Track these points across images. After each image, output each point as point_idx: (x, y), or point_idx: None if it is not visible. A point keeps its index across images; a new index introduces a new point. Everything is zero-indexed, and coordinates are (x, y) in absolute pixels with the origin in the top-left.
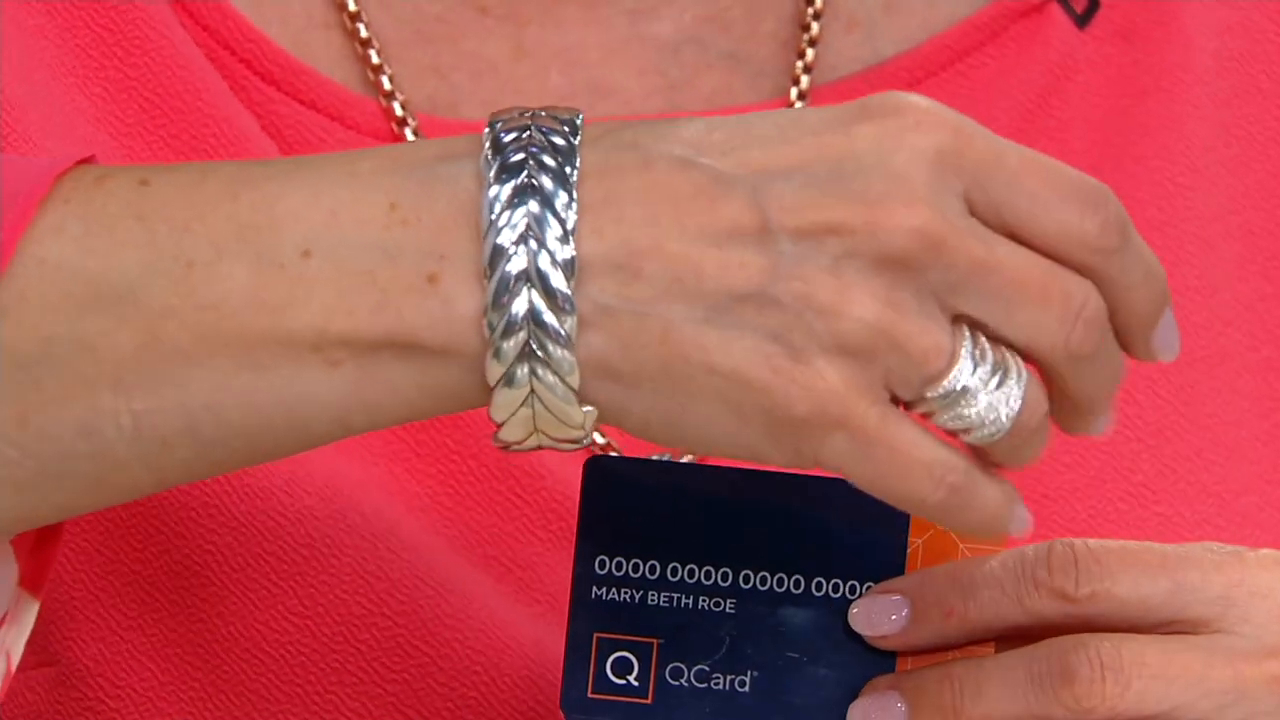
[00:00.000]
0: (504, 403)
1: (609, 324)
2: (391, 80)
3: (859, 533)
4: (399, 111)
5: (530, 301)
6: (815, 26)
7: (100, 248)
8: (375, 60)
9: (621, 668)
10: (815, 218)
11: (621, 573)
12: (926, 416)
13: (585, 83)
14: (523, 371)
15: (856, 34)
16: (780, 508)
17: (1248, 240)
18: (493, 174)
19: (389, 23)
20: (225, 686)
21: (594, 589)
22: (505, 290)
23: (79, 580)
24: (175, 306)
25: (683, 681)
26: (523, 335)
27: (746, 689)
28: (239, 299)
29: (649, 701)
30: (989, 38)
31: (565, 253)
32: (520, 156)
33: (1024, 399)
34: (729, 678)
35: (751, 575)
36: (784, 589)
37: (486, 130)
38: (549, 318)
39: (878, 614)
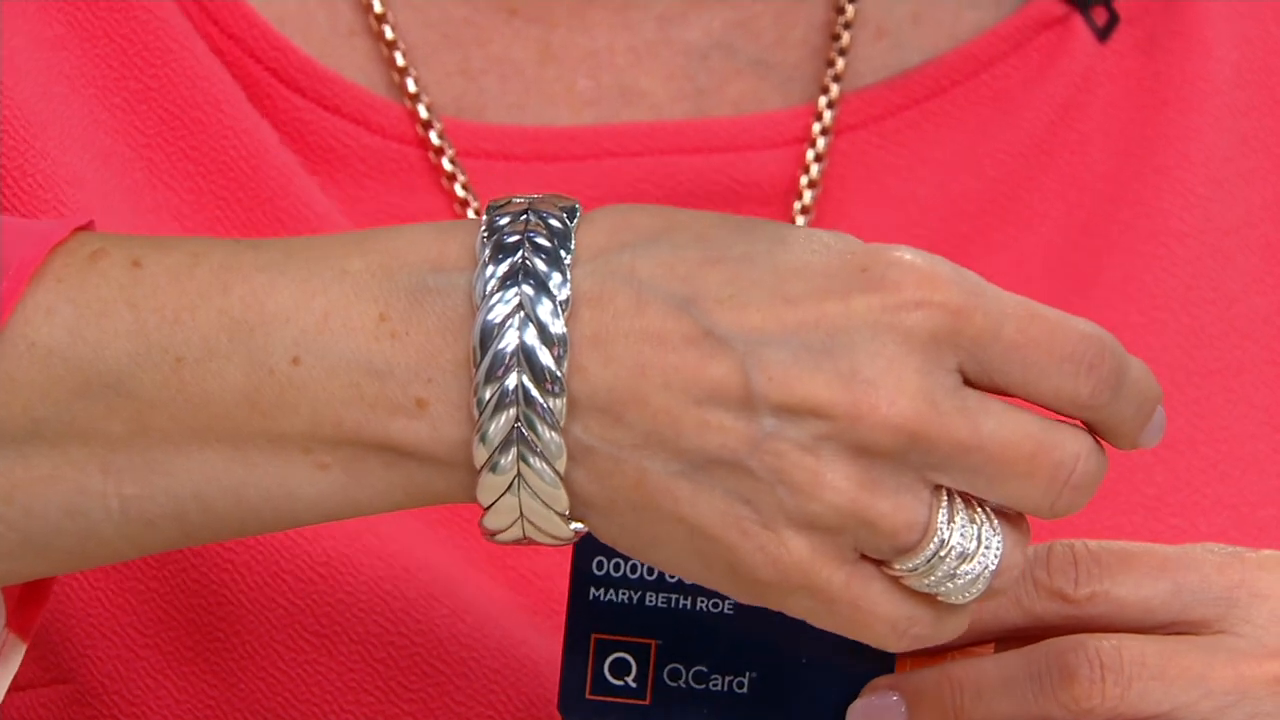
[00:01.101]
0: (490, 486)
1: (588, 461)
2: (417, 82)
3: None
4: (424, 114)
5: (520, 381)
6: (845, 36)
7: (91, 336)
8: (401, 63)
9: (620, 669)
10: (800, 394)
11: (619, 574)
12: (899, 579)
13: (612, 87)
14: (509, 457)
15: (884, 43)
16: None
17: (1265, 252)
18: (487, 254)
19: (415, 26)
20: (241, 705)
21: (592, 590)
22: (497, 367)
23: (94, 598)
24: (165, 399)
25: (681, 683)
26: (511, 413)
27: (745, 690)
28: (229, 399)
29: (647, 703)
30: (1012, 49)
31: (557, 329)
32: (515, 238)
33: (999, 564)
34: (728, 679)
35: None
36: None
37: (484, 214)
38: (537, 395)
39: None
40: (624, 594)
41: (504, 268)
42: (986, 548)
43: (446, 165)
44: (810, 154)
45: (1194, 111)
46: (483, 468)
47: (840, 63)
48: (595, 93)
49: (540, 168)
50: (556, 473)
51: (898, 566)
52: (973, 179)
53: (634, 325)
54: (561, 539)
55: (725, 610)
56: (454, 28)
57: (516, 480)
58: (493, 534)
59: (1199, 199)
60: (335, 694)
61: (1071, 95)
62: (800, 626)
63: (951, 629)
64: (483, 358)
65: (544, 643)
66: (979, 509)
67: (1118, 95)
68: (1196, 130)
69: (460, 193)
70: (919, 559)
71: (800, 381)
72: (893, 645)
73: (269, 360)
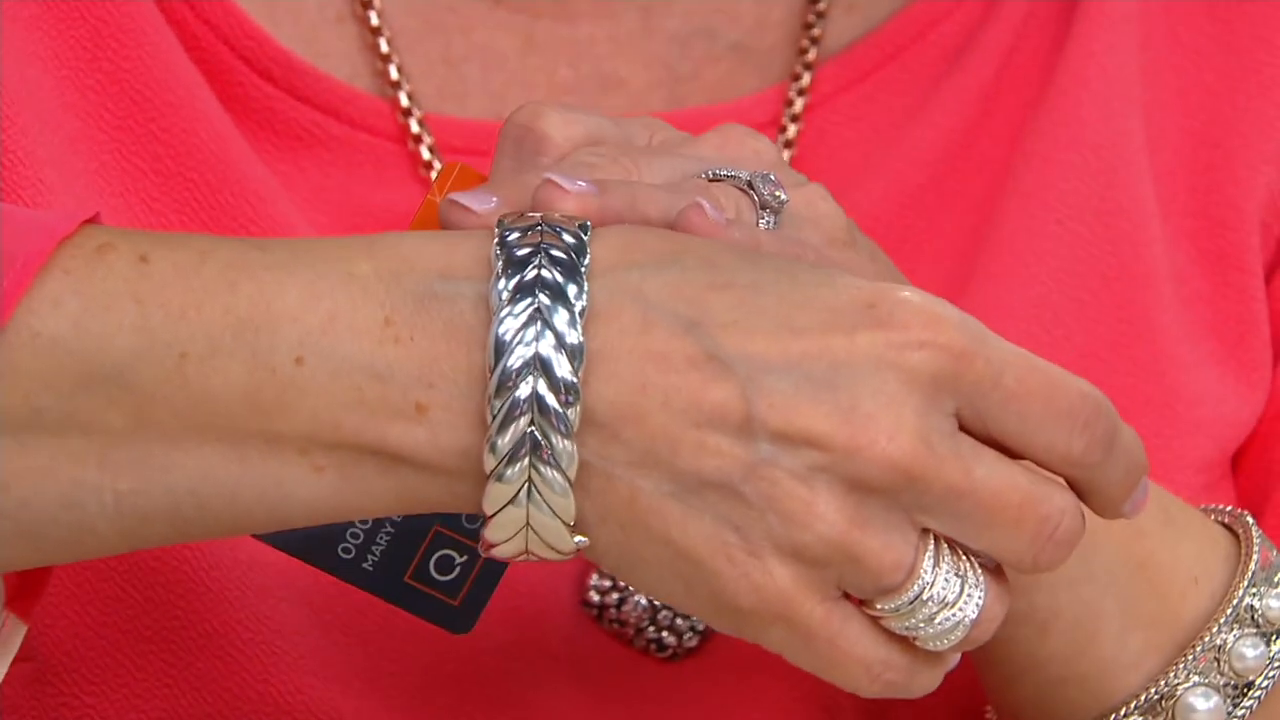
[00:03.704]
0: (496, 496)
1: (581, 476)
2: (400, 69)
3: None
4: (405, 103)
5: (534, 390)
6: (819, 26)
7: (96, 328)
8: (384, 49)
9: (445, 566)
10: (799, 424)
11: (358, 537)
12: (878, 620)
13: (592, 76)
14: (518, 467)
15: (856, 16)
16: None
17: (1165, 179)
18: (500, 265)
19: (401, 13)
20: (199, 685)
21: (360, 565)
22: (509, 378)
23: (55, 576)
24: (166, 394)
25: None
26: (523, 423)
27: None
28: (230, 396)
29: (456, 604)
30: (955, 4)
31: (574, 339)
32: (527, 251)
33: (980, 612)
34: None
35: None
36: None
37: (495, 229)
38: (553, 404)
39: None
40: (380, 539)
41: (517, 279)
42: (968, 597)
43: (425, 154)
44: (780, 139)
45: (1094, 40)
46: (489, 477)
47: (812, 49)
48: (575, 82)
49: None
50: (568, 481)
51: (879, 606)
52: (929, 130)
53: (639, 343)
54: (564, 553)
55: None
56: (439, 15)
57: (524, 490)
58: (493, 546)
59: (1102, 115)
60: (293, 675)
61: (1013, 41)
62: None
63: (925, 681)
64: (495, 368)
65: (525, 635)
66: (965, 558)
67: (1050, 33)
68: (1096, 55)
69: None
70: (901, 600)
71: (800, 411)
72: (865, 688)
73: (272, 359)
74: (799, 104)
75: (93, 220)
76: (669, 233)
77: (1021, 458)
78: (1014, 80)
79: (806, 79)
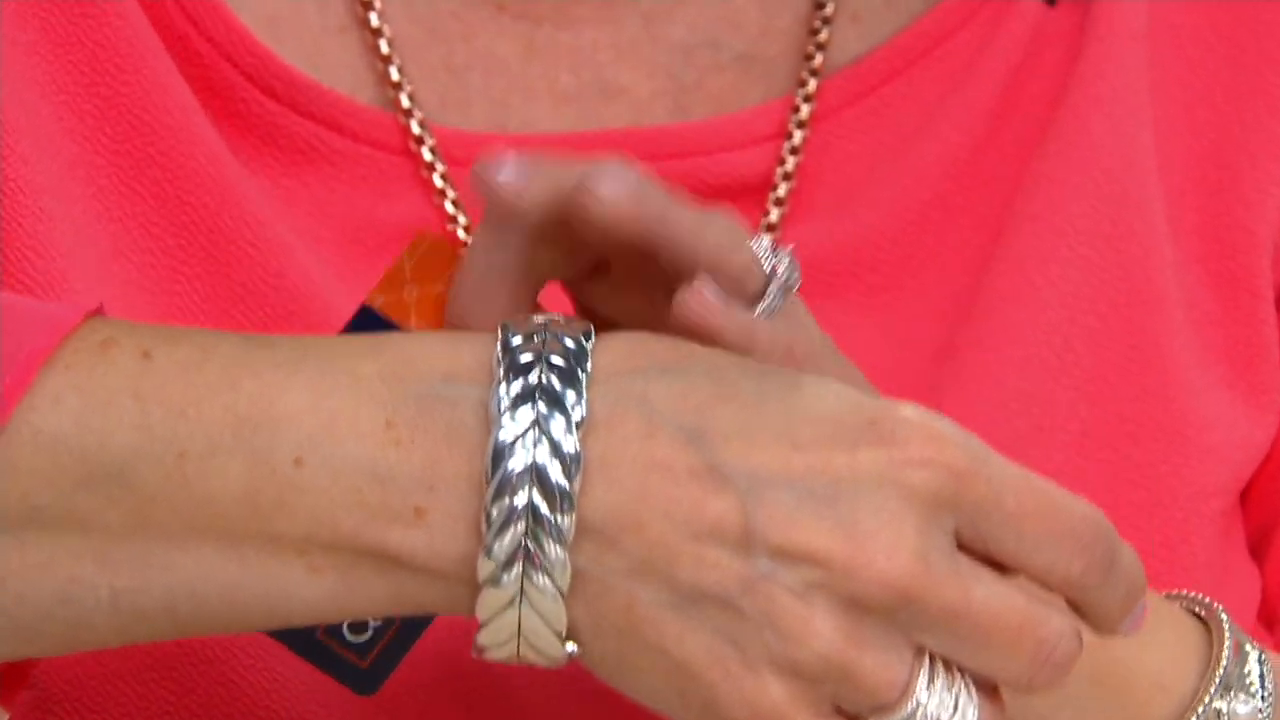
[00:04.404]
0: (491, 602)
1: (578, 583)
2: (401, 71)
3: None
4: (406, 115)
5: (530, 498)
6: (825, 31)
7: (96, 425)
8: (385, 52)
9: (357, 627)
10: (798, 540)
11: None
12: None
13: (594, 83)
14: (512, 573)
15: (860, 27)
16: None
17: (1172, 199)
18: (502, 371)
19: (403, 20)
20: (200, 713)
21: None
22: (506, 485)
23: None
24: (166, 494)
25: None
26: (519, 529)
27: None
28: (230, 496)
29: (399, 620)
30: (965, 19)
31: (570, 447)
32: (530, 357)
33: None
34: None
35: None
36: None
37: (499, 331)
38: (547, 512)
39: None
40: None
41: (518, 386)
42: (962, 716)
43: (426, 156)
44: (786, 147)
45: (1105, 60)
46: (484, 583)
47: (818, 55)
48: (576, 89)
49: None
50: (559, 590)
51: None
52: (936, 145)
53: (641, 451)
54: (555, 660)
55: None
56: (441, 22)
57: (518, 597)
58: (484, 650)
59: (1113, 136)
60: (294, 701)
61: (1021, 59)
62: None
63: None
64: (493, 475)
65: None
66: (959, 677)
67: (1060, 51)
68: (1106, 75)
69: (439, 191)
70: (894, 719)
71: (800, 527)
72: None
73: (272, 460)
74: (805, 110)
75: (96, 312)
76: (674, 340)
77: (1019, 576)
78: (1022, 98)
79: (813, 85)
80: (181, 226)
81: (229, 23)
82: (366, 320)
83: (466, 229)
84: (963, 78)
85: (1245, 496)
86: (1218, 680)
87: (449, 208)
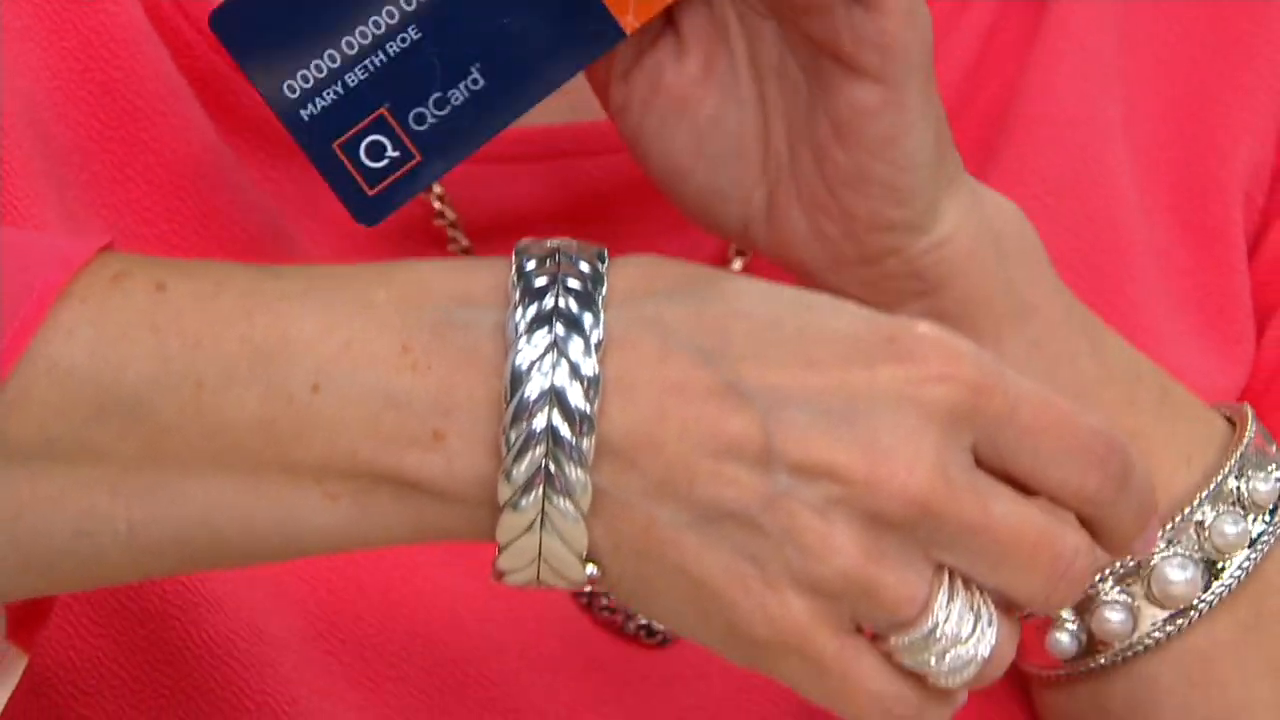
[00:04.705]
0: (511, 526)
1: (597, 505)
2: None
3: None
4: None
5: (549, 421)
6: None
7: (112, 357)
8: None
9: (375, 152)
10: (818, 456)
11: (309, 81)
12: (890, 655)
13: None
14: (532, 497)
15: None
16: None
17: (1142, 150)
18: (518, 295)
19: None
20: (195, 696)
21: (299, 111)
22: (525, 409)
23: None
24: (182, 424)
25: (430, 119)
26: (539, 452)
27: (481, 83)
28: (246, 426)
29: (419, 159)
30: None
31: (589, 369)
32: (545, 281)
33: (992, 650)
34: (463, 85)
35: None
36: None
37: (513, 256)
38: (567, 435)
39: None
40: (327, 93)
41: (534, 309)
42: (981, 635)
43: None
44: None
45: (1070, 12)
46: (504, 506)
47: None
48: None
49: (513, 169)
50: (580, 512)
51: (892, 641)
52: None
53: (657, 373)
54: (575, 582)
55: (413, 36)
56: None
57: (538, 519)
58: (504, 574)
59: (1076, 89)
60: (289, 687)
61: (994, 20)
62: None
63: (934, 718)
64: (511, 398)
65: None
66: (978, 595)
67: (1030, 10)
68: (1070, 26)
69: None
70: (914, 635)
71: (819, 443)
72: None
73: (288, 388)
74: None
75: (108, 247)
76: (688, 263)
77: (1035, 493)
78: (996, 59)
79: None
80: (174, 214)
81: None
82: None
83: (454, 224)
84: (943, 35)
85: None
86: (1236, 457)
87: (435, 203)
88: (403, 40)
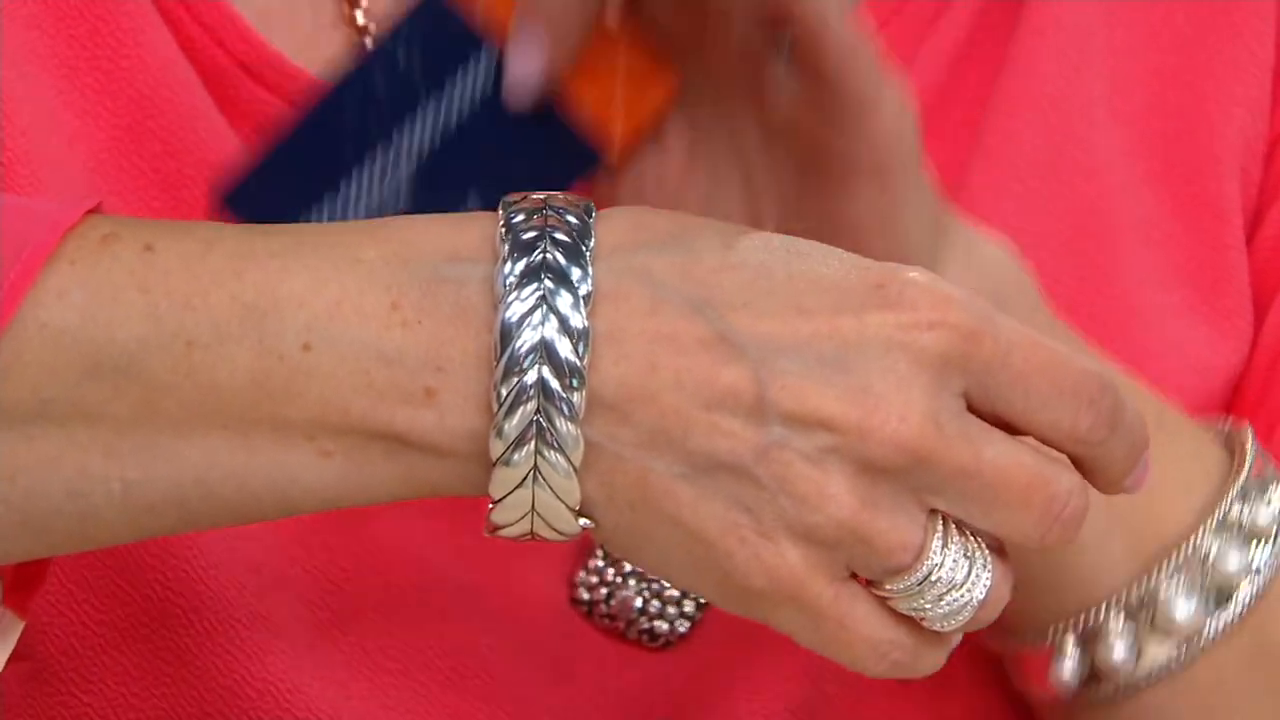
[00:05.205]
0: (503, 480)
1: (589, 458)
2: None
3: None
4: None
5: (540, 375)
6: None
7: (102, 318)
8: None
9: None
10: (811, 406)
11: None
12: (886, 601)
13: None
14: (524, 451)
15: None
16: None
17: (1126, 128)
18: (506, 249)
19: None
20: (197, 682)
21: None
22: (516, 364)
23: (51, 574)
24: (174, 383)
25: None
26: (530, 407)
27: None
28: (238, 383)
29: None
30: None
31: (578, 322)
32: (533, 234)
33: (987, 594)
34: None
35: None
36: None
37: (500, 210)
38: (557, 388)
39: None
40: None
41: (523, 263)
42: (976, 579)
43: None
44: None
45: None
46: (497, 462)
47: None
48: None
49: None
50: (571, 466)
51: (887, 587)
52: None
53: (648, 324)
54: (568, 535)
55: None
56: None
57: (531, 474)
58: (498, 528)
59: (1058, 67)
60: (291, 672)
61: (984, 2)
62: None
63: (930, 661)
64: (502, 354)
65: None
66: (972, 539)
67: None
68: (1053, 3)
69: None
70: (909, 581)
71: (812, 393)
72: (871, 668)
73: (280, 346)
74: None
75: (95, 210)
76: (677, 214)
77: (1027, 435)
78: (985, 42)
79: None
80: (180, 202)
81: (223, 10)
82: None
83: None
84: (929, 28)
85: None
86: (1237, 487)
87: None
88: (396, 186)
